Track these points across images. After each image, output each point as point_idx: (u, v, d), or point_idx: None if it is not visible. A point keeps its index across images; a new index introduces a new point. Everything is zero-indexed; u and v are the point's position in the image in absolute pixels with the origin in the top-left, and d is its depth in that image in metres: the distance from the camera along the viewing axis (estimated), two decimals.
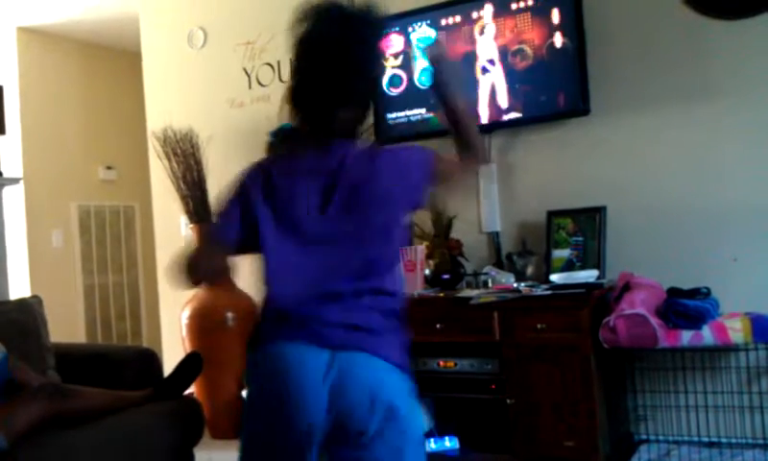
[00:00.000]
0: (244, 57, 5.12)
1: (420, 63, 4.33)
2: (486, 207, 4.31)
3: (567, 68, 3.97)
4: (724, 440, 3.64)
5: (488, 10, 4.15)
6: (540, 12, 4.02)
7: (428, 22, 4.31)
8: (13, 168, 5.83)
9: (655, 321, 3.38)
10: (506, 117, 4.15)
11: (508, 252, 4.21)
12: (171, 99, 5.39)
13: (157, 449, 3.32)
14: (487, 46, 4.15)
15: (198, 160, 4.86)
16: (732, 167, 3.79)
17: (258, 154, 2.11)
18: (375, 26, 2.04)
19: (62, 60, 6.74)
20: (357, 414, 1.87)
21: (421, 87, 4.33)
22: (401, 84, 4.41)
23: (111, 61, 7.04)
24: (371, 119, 2.18)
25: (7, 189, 4.45)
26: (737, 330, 3.33)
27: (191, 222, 4.86)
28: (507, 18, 4.11)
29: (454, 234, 4.19)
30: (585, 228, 3.97)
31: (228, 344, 4.50)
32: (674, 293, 3.53)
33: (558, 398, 3.53)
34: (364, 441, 1.88)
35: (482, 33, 4.16)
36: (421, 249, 4.13)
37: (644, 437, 3.80)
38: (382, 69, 2.06)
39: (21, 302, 3.92)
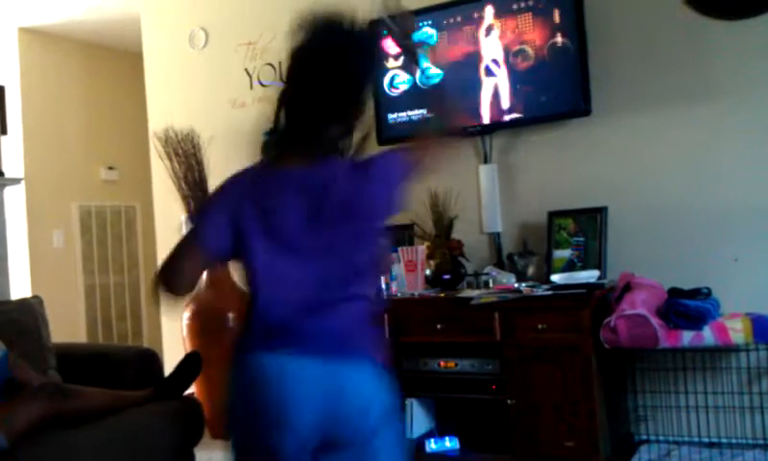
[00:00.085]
0: (245, 57, 5.13)
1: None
2: (487, 208, 4.31)
3: (568, 69, 3.97)
4: (724, 440, 3.64)
5: (489, 10, 4.15)
6: (541, 12, 4.02)
7: (430, 22, 4.32)
8: (15, 168, 5.83)
9: (655, 321, 3.38)
10: (507, 118, 4.15)
11: (509, 252, 4.21)
12: (172, 99, 5.40)
13: (158, 449, 3.33)
14: (491, 47, 4.15)
15: (199, 161, 4.87)
16: (733, 167, 3.79)
17: (259, 154, 2.08)
18: (371, 44, 2.08)
19: (64, 60, 6.74)
20: (352, 422, 1.91)
21: (422, 88, 4.34)
22: (402, 84, 4.41)
23: (113, 62, 7.05)
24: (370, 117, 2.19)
25: (8, 189, 4.45)
26: (738, 331, 3.33)
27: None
28: (508, 19, 4.11)
29: (455, 235, 4.19)
30: (586, 228, 3.97)
31: (229, 344, 4.48)
32: (675, 293, 3.53)
33: (558, 398, 3.53)
34: (357, 448, 1.91)
35: (488, 34, 4.15)
36: (422, 249, 4.13)
37: (645, 437, 3.80)
38: (373, 86, 2.07)
39: (22, 302, 3.92)
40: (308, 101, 1.99)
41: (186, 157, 4.87)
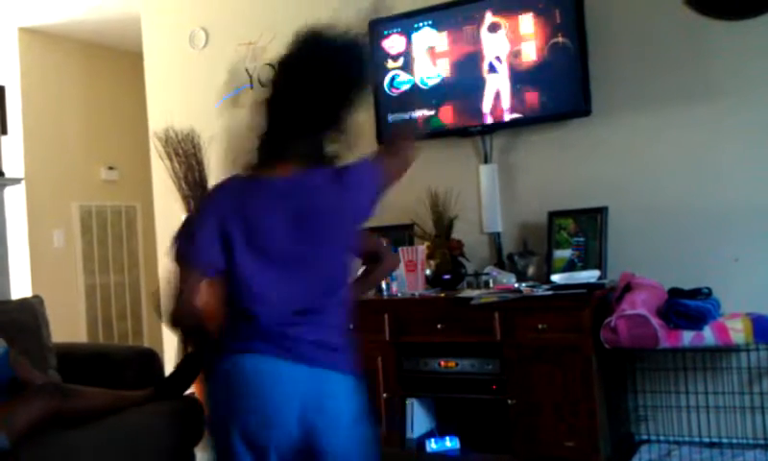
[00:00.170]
0: (246, 57, 5.13)
1: (421, 64, 4.34)
2: (487, 208, 4.31)
3: (569, 69, 3.97)
4: (725, 440, 3.64)
5: (490, 10, 4.15)
6: (541, 12, 4.02)
7: (430, 23, 4.32)
8: (15, 168, 5.83)
9: (656, 321, 3.38)
10: (507, 118, 4.15)
11: (509, 252, 4.21)
12: (172, 99, 5.39)
13: (158, 449, 3.32)
14: (494, 45, 4.15)
15: (199, 161, 4.87)
16: (734, 167, 3.79)
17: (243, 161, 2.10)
18: (360, 56, 2.13)
19: (64, 60, 6.74)
20: (330, 428, 1.97)
21: (422, 88, 4.34)
22: (402, 84, 4.41)
23: (113, 62, 7.05)
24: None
25: (8, 189, 4.45)
26: (738, 331, 3.33)
27: None
28: (508, 19, 4.11)
29: (455, 235, 4.19)
30: (586, 228, 3.97)
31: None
32: (675, 293, 3.53)
33: (559, 398, 3.53)
34: (332, 453, 1.97)
35: (493, 30, 4.15)
36: (422, 249, 4.13)
37: (645, 437, 3.80)
38: (361, 97, 2.10)
39: (23, 301, 3.92)
40: (293, 109, 2.03)
41: (186, 157, 4.87)
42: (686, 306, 3.37)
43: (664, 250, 3.89)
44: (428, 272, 4.13)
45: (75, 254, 6.75)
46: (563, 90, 4.01)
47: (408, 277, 4.08)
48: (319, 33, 2.11)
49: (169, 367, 3.93)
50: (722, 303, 3.53)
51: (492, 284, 3.98)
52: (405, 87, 4.41)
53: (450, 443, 3.87)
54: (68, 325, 5.87)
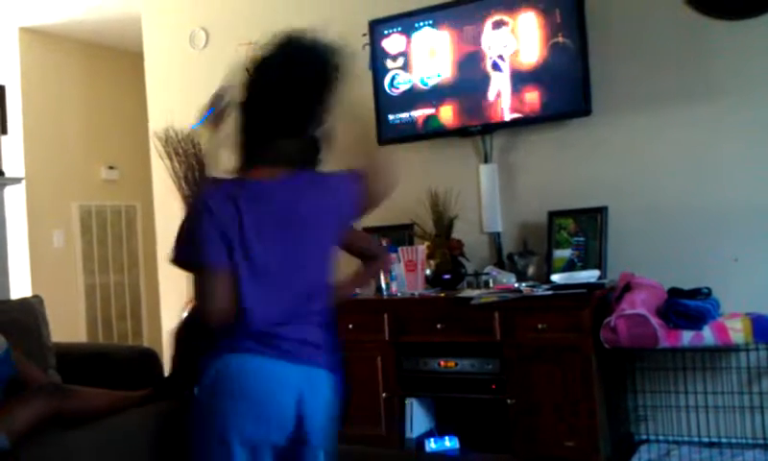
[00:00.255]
0: (246, 57, 5.11)
1: (422, 63, 4.34)
2: (487, 208, 4.31)
3: (569, 69, 3.97)
4: (724, 440, 3.64)
5: (490, 10, 4.14)
6: (542, 12, 4.02)
7: (430, 23, 4.32)
8: (15, 168, 5.83)
9: (655, 321, 3.38)
10: (507, 117, 4.15)
11: (509, 252, 4.21)
12: (173, 99, 5.39)
13: (158, 450, 3.32)
14: (494, 45, 4.14)
15: (199, 160, 4.86)
16: (734, 167, 3.79)
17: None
18: (334, 62, 2.15)
19: (64, 60, 6.74)
20: (317, 425, 2.08)
21: (422, 88, 4.34)
22: (402, 84, 4.41)
23: (113, 62, 7.05)
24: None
25: (8, 189, 4.45)
26: (738, 331, 3.33)
27: None
28: (509, 19, 4.10)
29: (455, 234, 4.19)
30: (586, 228, 3.97)
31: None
32: (675, 293, 3.53)
33: (558, 398, 3.53)
34: (315, 449, 2.10)
35: (494, 29, 4.14)
36: (422, 249, 4.13)
37: (644, 437, 3.80)
38: (332, 104, 2.14)
39: (22, 301, 3.92)
40: (273, 111, 2.06)
41: (186, 156, 4.87)
42: (686, 306, 3.37)
43: (664, 250, 3.89)
44: (428, 272, 4.13)
45: (75, 253, 6.75)
46: (563, 90, 4.01)
47: (408, 276, 4.08)
48: (295, 36, 2.15)
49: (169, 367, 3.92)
50: (721, 303, 3.53)
51: (491, 284, 3.99)
52: (405, 87, 4.41)
53: (450, 443, 3.87)
54: (68, 325, 5.87)
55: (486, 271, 4.11)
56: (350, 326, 4.04)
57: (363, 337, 4.01)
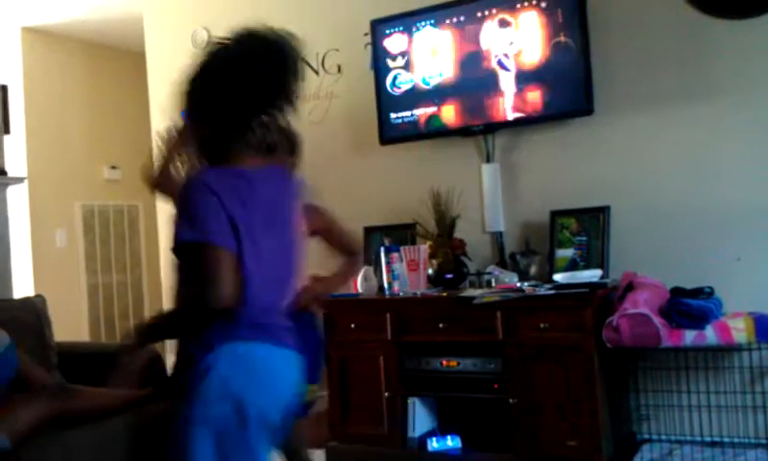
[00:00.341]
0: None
1: (422, 62, 4.34)
2: (489, 207, 4.31)
3: (571, 68, 3.97)
4: (726, 440, 3.63)
5: (492, 9, 4.14)
6: (543, 12, 4.02)
7: (432, 22, 4.31)
8: (18, 168, 5.84)
9: (658, 320, 3.38)
10: (510, 117, 4.15)
11: (511, 251, 4.21)
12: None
13: (158, 449, 3.32)
14: (496, 44, 4.14)
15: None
16: (736, 167, 3.78)
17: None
18: (292, 55, 2.25)
19: (67, 59, 6.75)
20: (291, 403, 2.16)
21: (424, 87, 4.34)
22: (403, 84, 4.41)
23: (116, 61, 7.05)
24: None
25: (11, 189, 4.46)
26: (740, 330, 3.33)
27: None
28: (511, 18, 4.10)
29: (457, 234, 4.19)
30: (588, 227, 3.97)
31: None
32: (677, 292, 3.53)
33: (561, 397, 3.53)
34: (289, 424, 2.23)
35: (495, 29, 4.14)
36: (425, 248, 4.13)
37: (647, 436, 3.80)
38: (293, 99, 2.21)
39: (25, 301, 3.92)
40: (241, 101, 2.11)
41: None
42: (688, 306, 3.37)
43: (666, 249, 3.88)
44: (430, 271, 4.13)
45: (77, 253, 6.76)
46: (565, 90, 4.01)
47: (410, 276, 4.08)
48: (254, 28, 2.27)
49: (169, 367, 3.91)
50: (724, 303, 3.53)
51: (494, 284, 3.98)
52: (407, 87, 4.41)
53: (452, 442, 3.87)
54: (71, 324, 5.88)
55: (488, 270, 4.10)
56: (353, 325, 4.05)
57: (365, 337, 4.02)
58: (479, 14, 4.18)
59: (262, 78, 2.11)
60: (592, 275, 3.75)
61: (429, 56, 4.33)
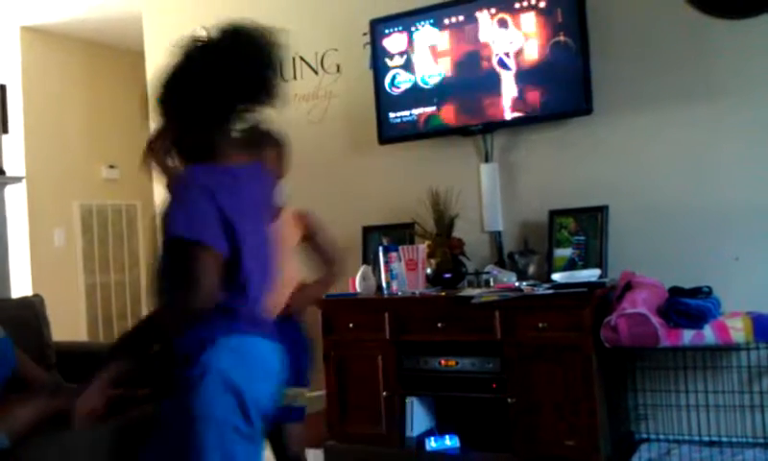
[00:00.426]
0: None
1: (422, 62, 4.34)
2: (488, 207, 4.31)
3: (570, 68, 3.97)
4: (725, 439, 3.63)
5: (491, 9, 4.14)
6: (542, 11, 4.02)
7: (431, 22, 4.32)
8: (16, 167, 5.83)
9: (656, 320, 3.38)
10: (508, 116, 4.15)
11: (510, 251, 4.21)
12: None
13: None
14: (496, 43, 4.14)
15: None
16: (734, 166, 3.78)
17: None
18: (269, 51, 2.28)
19: (65, 59, 6.75)
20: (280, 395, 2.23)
21: (423, 87, 4.34)
22: (403, 83, 4.41)
23: (114, 61, 7.05)
24: None
25: (9, 188, 4.46)
26: (739, 330, 3.33)
27: None
28: (510, 18, 4.10)
29: (456, 233, 4.19)
30: (587, 227, 3.97)
31: None
32: (675, 292, 3.54)
33: (559, 397, 3.53)
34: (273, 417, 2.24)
35: (495, 29, 4.14)
36: (423, 248, 4.13)
37: (645, 436, 3.80)
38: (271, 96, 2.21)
39: (23, 300, 3.93)
40: (226, 97, 2.11)
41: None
42: (687, 305, 3.37)
43: (665, 249, 3.89)
44: (429, 271, 4.13)
45: (75, 252, 6.75)
46: (564, 89, 4.01)
47: (409, 275, 4.08)
48: (236, 23, 2.29)
49: None
50: (722, 302, 3.53)
51: (492, 283, 3.98)
52: (406, 86, 4.41)
53: (450, 441, 3.87)
54: (69, 323, 5.87)
55: (486, 270, 4.10)
56: (351, 325, 4.05)
57: (363, 336, 4.02)
58: (478, 14, 4.18)
59: (239, 71, 2.10)
60: (591, 274, 3.75)
61: (428, 55, 4.33)
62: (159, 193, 5.45)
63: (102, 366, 2.15)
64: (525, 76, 4.09)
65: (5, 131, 4.43)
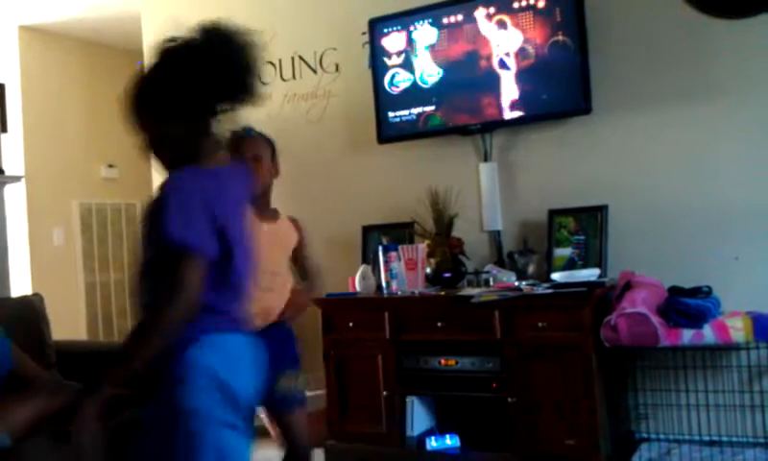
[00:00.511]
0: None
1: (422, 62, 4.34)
2: (487, 206, 4.31)
3: (569, 67, 3.97)
4: (725, 438, 3.64)
5: (490, 9, 4.14)
6: (542, 11, 4.02)
7: (430, 21, 4.31)
8: (15, 166, 5.83)
9: (656, 319, 3.38)
10: (507, 116, 4.15)
11: (509, 250, 4.21)
12: None
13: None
14: (495, 43, 4.14)
15: None
16: (734, 166, 3.79)
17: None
18: (247, 52, 2.32)
19: (64, 58, 6.74)
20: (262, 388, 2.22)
21: (422, 86, 4.34)
22: (402, 82, 4.41)
23: (113, 60, 7.02)
24: None
25: (8, 187, 4.45)
26: (738, 329, 3.33)
27: None
28: (509, 17, 4.10)
29: (455, 233, 4.19)
30: (586, 226, 3.97)
31: None
32: (675, 292, 3.54)
33: (559, 396, 3.53)
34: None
35: (494, 28, 4.14)
36: (423, 247, 4.13)
37: (645, 435, 3.80)
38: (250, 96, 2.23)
39: (23, 299, 3.92)
40: (208, 96, 2.14)
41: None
42: (686, 305, 3.37)
43: (664, 248, 3.89)
44: (428, 270, 4.13)
45: (75, 251, 6.75)
46: (563, 89, 4.01)
47: (408, 275, 4.08)
48: (212, 23, 2.30)
49: None
50: (722, 302, 3.53)
51: (492, 283, 3.98)
52: (405, 86, 4.41)
53: (450, 441, 3.87)
54: (68, 322, 5.87)
55: (486, 269, 4.10)
56: (351, 324, 4.05)
57: (363, 335, 4.02)
58: (477, 13, 4.18)
59: (214, 70, 2.13)
60: (590, 274, 3.75)
61: (427, 54, 4.33)
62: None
63: (95, 389, 2.06)
64: (524, 75, 4.09)
65: (4, 130, 4.43)
